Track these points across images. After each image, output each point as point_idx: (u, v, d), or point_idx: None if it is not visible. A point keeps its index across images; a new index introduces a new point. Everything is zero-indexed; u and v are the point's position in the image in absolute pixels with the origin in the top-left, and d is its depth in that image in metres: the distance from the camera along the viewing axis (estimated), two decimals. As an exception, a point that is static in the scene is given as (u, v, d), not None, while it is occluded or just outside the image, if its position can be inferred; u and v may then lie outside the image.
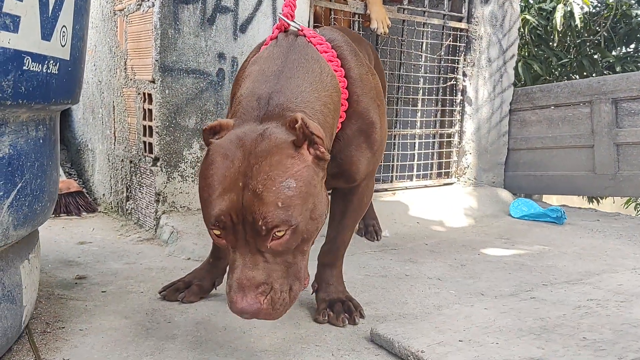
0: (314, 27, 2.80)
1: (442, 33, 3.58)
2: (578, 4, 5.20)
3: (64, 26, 1.23)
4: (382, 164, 3.35)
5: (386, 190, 3.36)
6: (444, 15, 3.54)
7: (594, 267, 2.31)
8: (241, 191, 1.12)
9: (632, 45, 6.51)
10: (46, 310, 1.62)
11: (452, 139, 3.70)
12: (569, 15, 5.32)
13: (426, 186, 3.56)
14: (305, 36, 1.49)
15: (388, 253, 2.49)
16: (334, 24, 3.03)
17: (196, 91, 2.54)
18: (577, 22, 5.14)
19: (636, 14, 5.88)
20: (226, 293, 1.16)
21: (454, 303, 1.83)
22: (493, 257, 2.46)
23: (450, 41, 3.59)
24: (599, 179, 3.55)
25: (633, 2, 6.26)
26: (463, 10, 3.62)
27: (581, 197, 5.70)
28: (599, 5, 6.17)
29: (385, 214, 2.94)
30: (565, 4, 5.26)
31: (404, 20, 3.33)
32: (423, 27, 3.43)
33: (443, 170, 3.69)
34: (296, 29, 1.52)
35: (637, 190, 3.44)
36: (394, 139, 3.43)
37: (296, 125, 1.17)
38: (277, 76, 1.35)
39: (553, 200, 5.99)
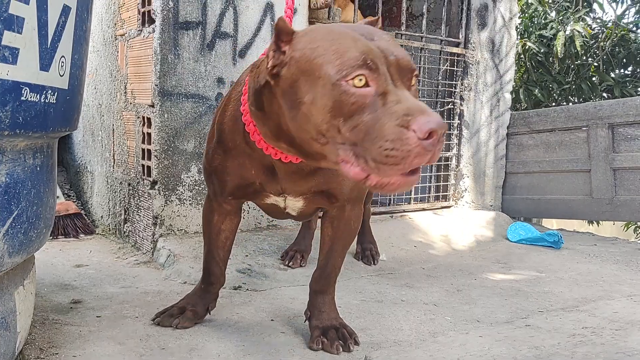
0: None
1: (440, 58, 3.62)
2: (579, 32, 5.25)
3: (62, 56, 1.25)
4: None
5: (384, 213, 3.36)
6: (442, 40, 3.58)
7: (590, 293, 2.31)
8: (369, 41, 1.12)
9: (630, 68, 6.57)
10: (40, 335, 1.62)
11: (449, 162, 3.72)
12: (569, 42, 5.38)
13: (424, 209, 3.57)
14: None
15: (385, 277, 2.49)
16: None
17: (195, 115, 2.57)
18: (578, 48, 5.20)
19: (635, 37, 5.95)
20: (393, 132, 1.03)
21: (449, 330, 1.83)
22: (490, 282, 2.46)
23: (447, 66, 3.63)
24: (596, 204, 3.56)
25: (631, 26, 6.33)
26: (460, 36, 3.67)
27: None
28: (598, 27, 6.24)
29: (383, 238, 2.95)
30: (565, 31, 5.32)
31: (401, 45, 3.36)
32: (421, 52, 3.47)
33: (441, 194, 3.70)
34: None
35: (634, 214, 3.44)
36: (392, 163, 3.44)
37: (379, 19, 1.24)
38: None
39: (553, 223, 5.98)
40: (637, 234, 6.73)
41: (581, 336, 1.66)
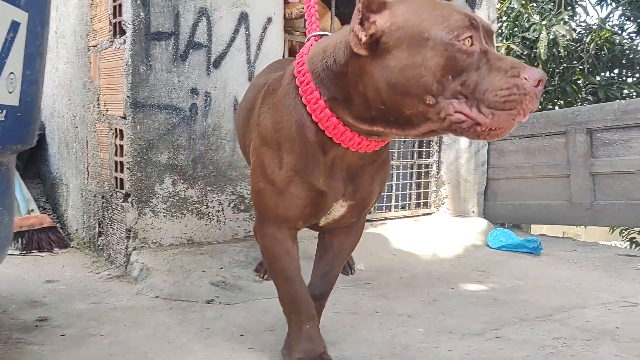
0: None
1: (419, 65, 3.61)
2: (563, 34, 5.27)
3: (11, 73, 1.23)
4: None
5: (364, 221, 3.34)
6: (420, 47, 3.57)
7: (566, 301, 2.29)
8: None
9: (616, 71, 6.61)
10: (1, 356, 1.58)
11: (430, 169, 3.71)
12: (552, 44, 5.40)
13: (405, 217, 3.55)
14: None
15: (361, 288, 2.47)
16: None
17: (168, 126, 2.54)
18: (562, 51, 5.22)
19: (619, 40, 5.98)
20: (507, 79, 1.14)
21: (421, 342, 1.80)
22: (466, 292, 2.44)
23: (426, 73, 3.61)
24: (576, 209, 3.55)
25: (616, 28, 6.38)
26: (439, 43, 3.66)
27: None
28: (583, 31, 6.28)
29: (362, 246, 2.88)
30: (548, 33, 5.34)
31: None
32: (399, 60, 3.45)
33: (422, 201, 3.69)
34: None
35: (613, 220, 3.45)
36: (372, 170, 3.42)
37: None
38: None
39: (543, 227, 5.98)
40: (623, 237, 6.76)
41: (551, 347, 1.64)
